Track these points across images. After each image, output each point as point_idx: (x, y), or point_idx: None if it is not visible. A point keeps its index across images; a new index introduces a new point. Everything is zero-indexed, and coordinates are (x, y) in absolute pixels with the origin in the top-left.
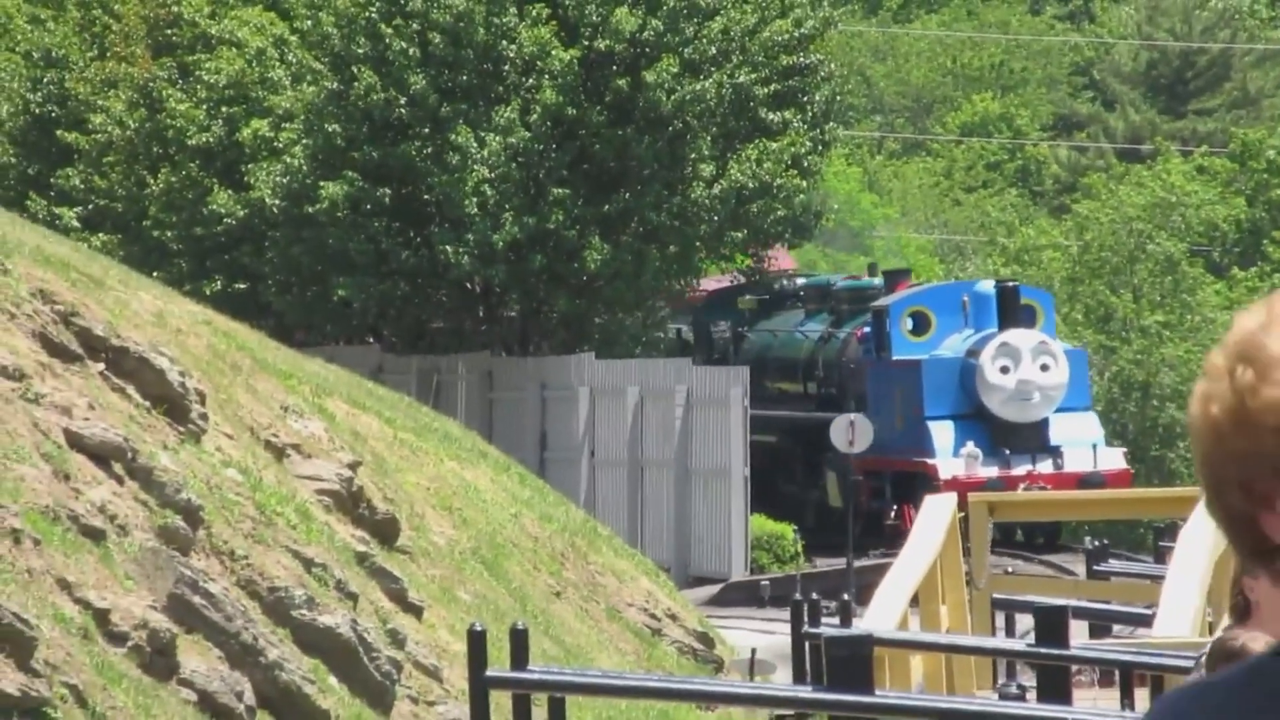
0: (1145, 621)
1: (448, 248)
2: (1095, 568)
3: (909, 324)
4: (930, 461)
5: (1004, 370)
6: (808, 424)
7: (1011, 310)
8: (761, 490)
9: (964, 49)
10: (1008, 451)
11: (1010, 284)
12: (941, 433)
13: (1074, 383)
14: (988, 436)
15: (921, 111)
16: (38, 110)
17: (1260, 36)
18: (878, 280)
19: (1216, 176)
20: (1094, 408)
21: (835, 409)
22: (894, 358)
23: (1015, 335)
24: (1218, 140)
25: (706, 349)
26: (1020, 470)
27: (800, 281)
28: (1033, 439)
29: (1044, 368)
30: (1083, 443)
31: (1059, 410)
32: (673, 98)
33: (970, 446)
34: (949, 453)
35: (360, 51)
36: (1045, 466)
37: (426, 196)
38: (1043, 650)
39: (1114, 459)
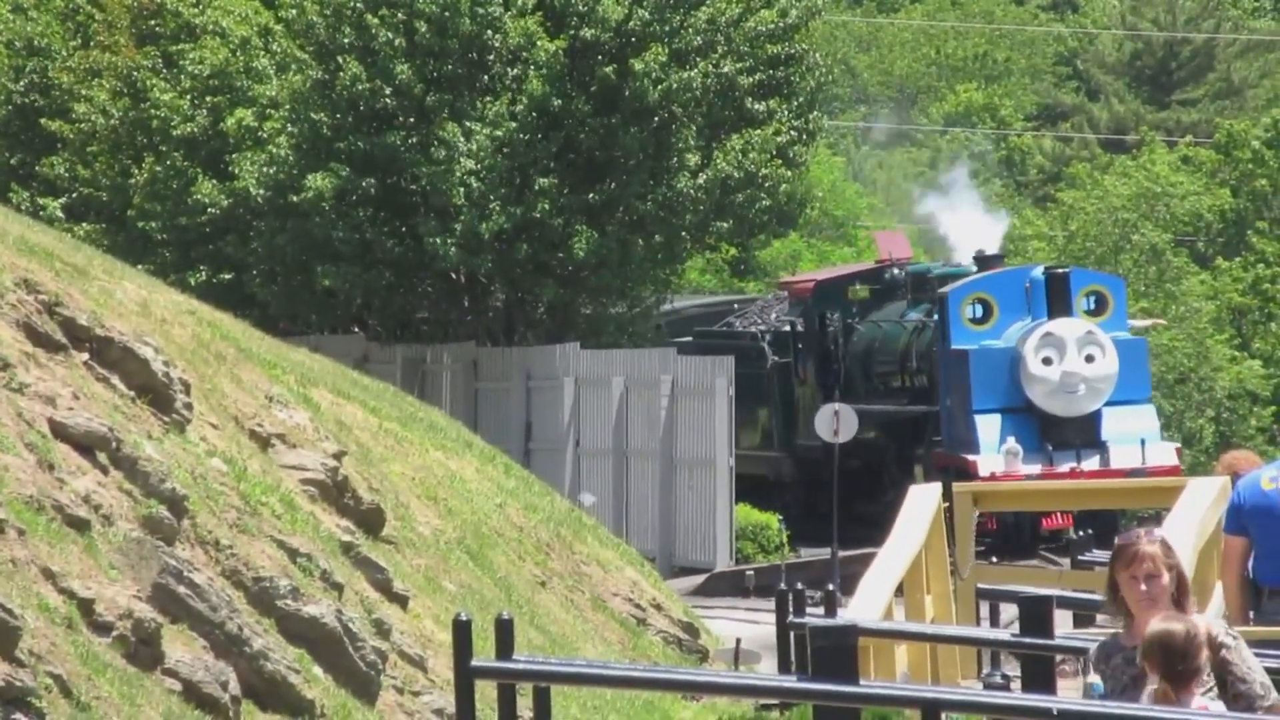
0: None
1: (435, 239)
2: (1079, 558)
3: (972, 311)
4: (970, 458)
5: (1046, 362)
6: (898, 418)
7: (1060, 298)
8: (859, 492)
9: (948, 39)
10: (1051, 447)
11: (1060, 270)
12: (987, 427)
13: (1130, 374)
14: (1036, 431)
15: (906, 102)
16: (20, 100)
17: (1244, 26)
18: (973, 267)
19: (1201, 167)
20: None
21: (925, 402)
22: (951, 348)
23: (1060, 325)
24: (1202, 130)
25: (818, 342)
26: (1064, 467)
27: (908, 269)
28: (1081, 434)
29: (1089, 358)
30: (1132, 437)
31: (1114, 403)
32: (659, 87)
33: (1011, 442)
34: (994, 448)
35: (345, 41)
36: (1092, 463)
37: (412, 186)
38: (1027, 640)
39: (1165, 454)
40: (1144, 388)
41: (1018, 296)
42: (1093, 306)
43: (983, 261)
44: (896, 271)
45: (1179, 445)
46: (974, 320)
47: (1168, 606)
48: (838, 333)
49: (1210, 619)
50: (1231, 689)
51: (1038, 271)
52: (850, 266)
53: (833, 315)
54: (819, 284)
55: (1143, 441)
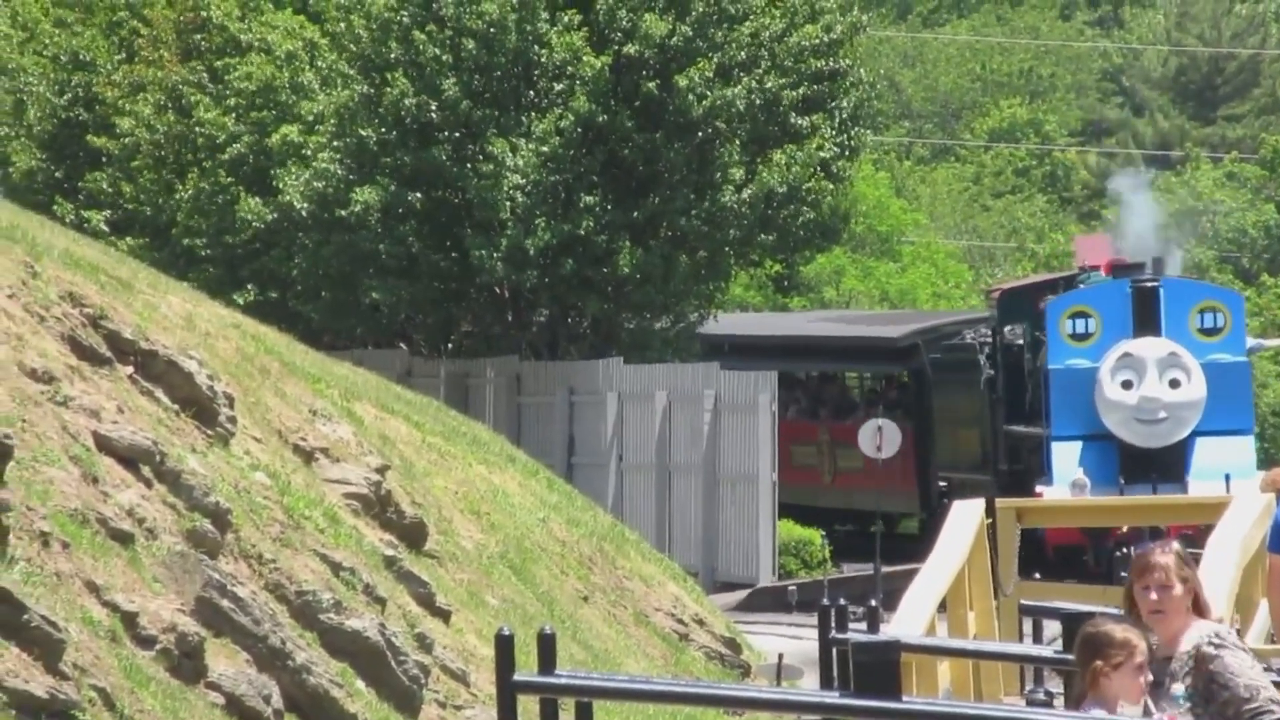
0: None
1: (481, 253)
2: (1122, 574)
3: (1074, 326)
4: (1039, 489)
5: (1126, 385)
6: (1028, 438)
7: (1146, 313)
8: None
9: (993, 54)
10: (1124, 480)
11: (1148, 283)
12: (1064, 456)
13: (1228, 401)
14: (1115, 463)
15: (950, 117)
16: (65, 114)
17: None
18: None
19: (1246, 183)
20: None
21: None
22: (1048, 366)
23: (1140, 345)
24: (1246, 146)
25: (1001, 357)
26: None
27: (1084, 277)
28: (1164, 466)
29: (1174, 383)
30: (1216, 472)
31: (1207, 433)
32: (703, 103)
33: (1079, 474)
34: (1068, 479)
35: (392, 56)
36: None
37: (458, 200)
38: (1070, 657)
39: None
40: (1245, 417)
41: (1121, 311)
42: (1220, 324)
43: (1119, 269)
44: (1091, 278)
45: None
46: (1075, 336)
47: (1181, 616)
48: (1023, 347)
49: (1205, 631)
50: (1217, 698)
51: (1128, 285)
52: (1047, 274)
53: (1021, 326)
54: (1004, 294)
55: (1227, 477)
